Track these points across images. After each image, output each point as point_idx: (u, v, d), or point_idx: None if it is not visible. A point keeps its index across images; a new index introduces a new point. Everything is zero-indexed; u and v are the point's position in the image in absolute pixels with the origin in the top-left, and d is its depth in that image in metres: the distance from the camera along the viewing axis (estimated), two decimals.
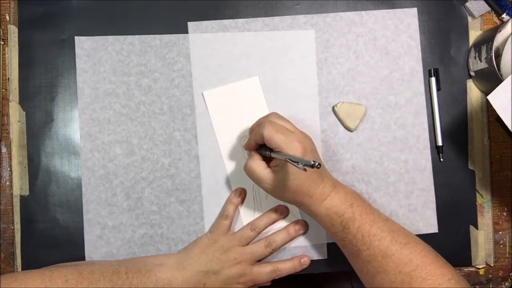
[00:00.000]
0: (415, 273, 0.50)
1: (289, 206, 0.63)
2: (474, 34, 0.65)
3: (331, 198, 0.54)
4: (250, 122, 0.63)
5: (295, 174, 0.53)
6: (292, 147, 0.52)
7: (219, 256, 0.59)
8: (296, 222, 0.63)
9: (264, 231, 0.62)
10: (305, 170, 0.45)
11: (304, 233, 0.63)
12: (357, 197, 0.56)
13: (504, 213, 0.65)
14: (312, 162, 0.44)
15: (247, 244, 0.61)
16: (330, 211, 0.54)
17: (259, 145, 0.57)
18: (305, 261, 0.62)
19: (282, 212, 0.63)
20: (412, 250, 0.52)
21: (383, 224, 0.54)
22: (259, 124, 0.55)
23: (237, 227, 0.63)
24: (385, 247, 0.52)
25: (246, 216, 0.63)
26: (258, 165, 0.56)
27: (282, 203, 0.63)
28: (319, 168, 0.44)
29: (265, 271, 0.60)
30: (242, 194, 0.63)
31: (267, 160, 0.57)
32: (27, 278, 0.51)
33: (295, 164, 0.48)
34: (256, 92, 0.64)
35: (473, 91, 0.65)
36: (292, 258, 0.62)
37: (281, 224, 0.63)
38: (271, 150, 0.54)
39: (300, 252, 0.63)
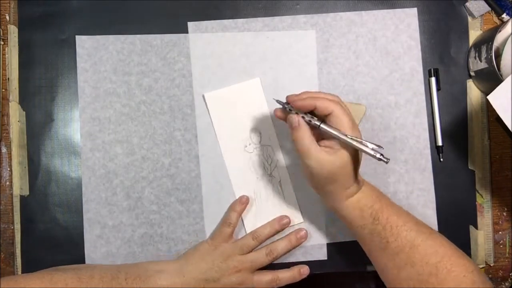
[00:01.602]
0: (441, 264, 0.50)
1: (290, 206, 0.63)
2: (474, 34, 0.65)
3: (362, 191, 0.54)
4: (251, 123, 0.63)
5: (346, 162, 0.51)
6: (356, 136, 0.51)
7: (219, 264, 0.59)
8: (298, 230, 0.63)
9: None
10: (380, 159, 0.44)
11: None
12: (379, 190, 0.57)
13: (504, 213, 0.65)
14: (386, 159, 0.45)
15: (248, 253, 0.61)
16: (361, 203, 0.54)
17: (303, 112, 0.53)
18: (304, 272, 0.62)
19: (285, 223, 0.62)
20: (436, 241, 0.52)
21: (407, 215, 0.54)
22: (326, 100, 0.51)
23: (237, 228, 0.63)
24: (412, 237, 0.52)
25: (245, 217, 0.63)
26: (309, 138, 0.51)
27: (285, 203, 0.63)
28: (387, 163, 0.45)
29: (265, 280, 0.60)
30: (246, 202, 0.62)
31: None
32: (26, 281, 0.51)
33: (364, 151, 0.47)
34: (258, 94, 0.64)
35: (473, 91, 0.65)
36: (291, 268, 0.62)
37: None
38: (322, 121, 0.52)
39: (300, 252, 0.63)
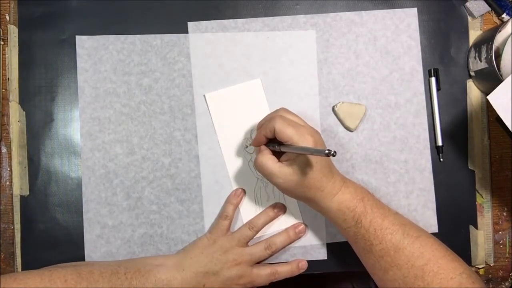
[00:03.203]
0: (427, 267, 0.50)
1: (290, 207, 0.63)
2: (474, 34, 0.65)
3: (342, 192, 0.54)
4: (252, 124, 0.63)
5: (307, 167, 0.52)
6: (303, 140, 0.52)
7: (218, 257, 0.59)
8: (297, 225, 0.63)
9: (268, 232, 0.63)
10: (326, 155, 0.45)
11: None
12: (366, 191, 0.56)
13: (504, 213, 0.65)
14: (327, 151, 0.44)
15: (246, 244, 0.61)
16: (341, 206, 0.54)
17: (268, 140, 0.57)
18: (303, 265, 0.62)
19: (279, 209, 0.63)
20: (423, 244, 0.52)
21: (394, 217, 0.54)
22: (270, 119, 0.55)
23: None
24: (397, 240, 0.52)
25: (247, 218, 0.63)
26: (269, 160, 0.55)
27: (286, 204, 0.63)
28: (334, 155, 0.45)
29: (264, 273, 0.60)
30: (241, 194, 0.63)
31: (277, 155, 0.56)
32: (26, 278, 0.51)
33: (310, 152, 0.47)
34: (258, 95, 0.64)
35: (473, 91, 0.65)
36: (290, 262, 0.62)
37: (282, 226, 0.63)
38: (281, 144, 0.54)
39: (300, 252, 0.63)
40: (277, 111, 0.57)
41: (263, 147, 0.57)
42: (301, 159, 0.53)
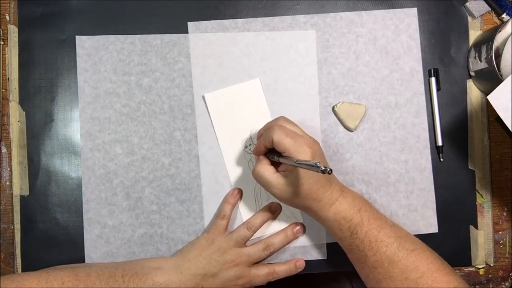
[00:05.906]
0: (421, 280, 0.50)
1: (290, 207, 0.63)
2: (474, 34, 0.65)
3: (339, 203, 0.54)
4: (251, 124, 0.63)
5: (304, 178, 0.52)
6: (301, 151, 0.52)
7: (216, 258, 0.59)
8: (295, 224, 0.63)
9: (268, 232, 0.63)
10: (322, 172, 0.44)
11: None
12: (365, 202, 0.56)
13: (504, 213, 0.65)
14: (324, 168, 0.44)
15: (244, 244, 0.61)
16: (338, 216, 0.54)
17: (267, 149, 0.57)
18: (300, 265, 0.62)
19: (275, 209, 0.63)
20: (418, 257, 0.52)
21: (390, 230, 0.54)
22: (268, 129, 0.55)
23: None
24: (392, 253, 0.52)
25: (247, 218, 0.63)
26: (267, 170, 0.55)
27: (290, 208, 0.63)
28: (330, 173, 0.45)
29: (262, 273, 0.60)
30: (239, 193, 0.63)
31: (276, 165, 0.56)
32: (24, 280, 0.51)
33: (306, 167, 0.47)
34: (258, 94, 0.64)
35: (473, 91, 0.65)
36: (288, 261, 0.62)
37: (282, 226, 0.63)
38: (280, 155, 0.54)
39: (300, 252, 0.63)
40: (276, 120, 0.57)
41: (261, 156, 0.58)
42: (298, 170, 0.53)
